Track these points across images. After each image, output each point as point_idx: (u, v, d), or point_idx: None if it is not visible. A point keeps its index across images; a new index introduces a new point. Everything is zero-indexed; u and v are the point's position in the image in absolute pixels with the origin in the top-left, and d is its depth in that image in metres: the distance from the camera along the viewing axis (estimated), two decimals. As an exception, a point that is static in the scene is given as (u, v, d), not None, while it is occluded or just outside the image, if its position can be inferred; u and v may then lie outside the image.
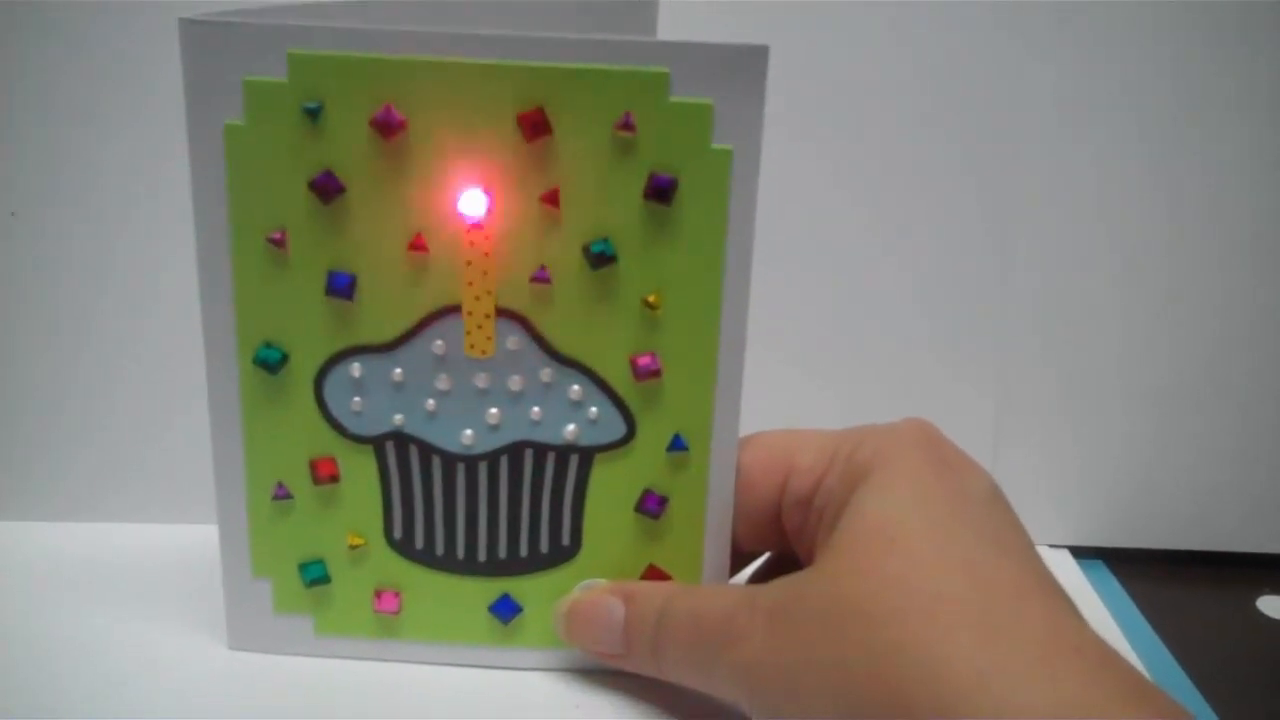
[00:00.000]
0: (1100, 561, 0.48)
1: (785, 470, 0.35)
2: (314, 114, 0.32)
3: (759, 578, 0.38)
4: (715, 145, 0.32)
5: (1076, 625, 0.27)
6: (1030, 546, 0.30)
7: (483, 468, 0.36)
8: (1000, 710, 0.24)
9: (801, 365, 0.47)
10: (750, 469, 0.35)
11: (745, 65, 0.31)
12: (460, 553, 0.37)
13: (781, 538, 0.36)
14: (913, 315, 0.46)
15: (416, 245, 0.33)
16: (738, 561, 0.38)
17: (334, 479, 0.36)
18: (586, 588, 0.36)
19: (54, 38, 0.42)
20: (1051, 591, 0.28)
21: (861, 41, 0.44)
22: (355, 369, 0.34)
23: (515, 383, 0.34)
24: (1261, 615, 0.45)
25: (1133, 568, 0.48)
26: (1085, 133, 0.45)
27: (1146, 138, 0.45)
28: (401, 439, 0.35)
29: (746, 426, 0.35)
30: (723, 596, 0.32)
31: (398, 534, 0.36)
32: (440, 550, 0.37)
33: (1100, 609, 0.44)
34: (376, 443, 0.35)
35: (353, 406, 0.35)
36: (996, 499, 0.31)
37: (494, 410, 0.35)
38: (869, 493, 0.31)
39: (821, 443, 0.34)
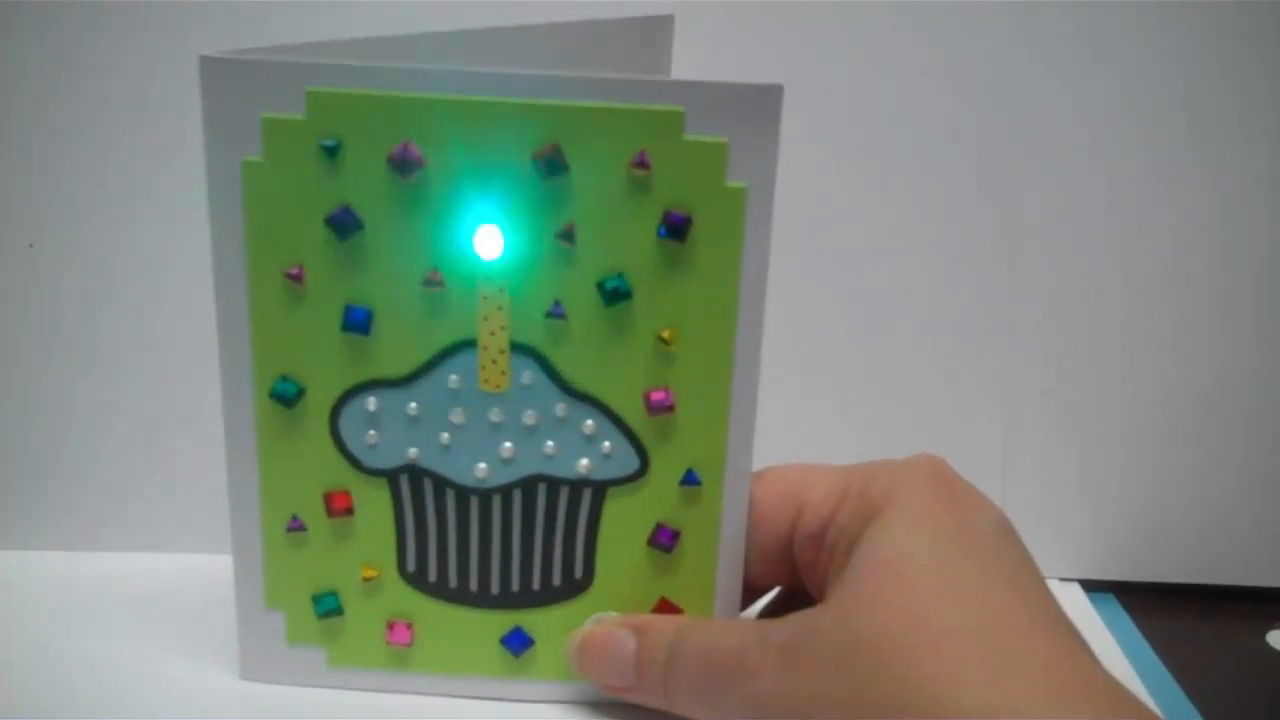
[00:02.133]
0: (1110, 595, 0.48)
1: (797, 506, 0.35)
2: (332, 151, 0.32)
3: (770, 612, 0.38)
4: (730, 183, 0.32)
5: (1087, 661, 0.27)
6: (1041, 581, 0.30)
7: (496, 501, 0.36)
8: None
9: (811, 398, 0.47)
10: (762, 504, 0.35)
11: (760, 104, 0.32)
12: (473, 585, 0.37)
13: (793, 573, 0.36)
14: (921, 349, 0.47)
15: (432, 281, 0.33)
16: (749, 596, 0.38)
17: (348, 512, 0.36)
18: (598, 621, 0.36)
19: (73, 73, 0.42)
20: (1062, 627, 0.28)
21: (868, 69, 0.44)
22: (370, 403, 0.35)
23: (529, 417, 0.35)
24: (1272, 650, 0.45)
25: (1143, 601, 0.48)
26: (1094, 165, 0.45)
27: (1156, 169, 0.45)
28: (416, 472, 0.35)
29: (758, 458, 0.35)
30: (735, 631, 0.32)
31: (411, 566, 0.37)
32: (453, 583, 0.37)
33: (1110, 642, 0.44)
34: (391, 476, 0.36)
35: (367, 440, 0.35)
36: (1008, 534, 0.31)
37: (508, 444, 0.35)
38: (880, 529, 0.31)
39: (833, 478, 0.34)
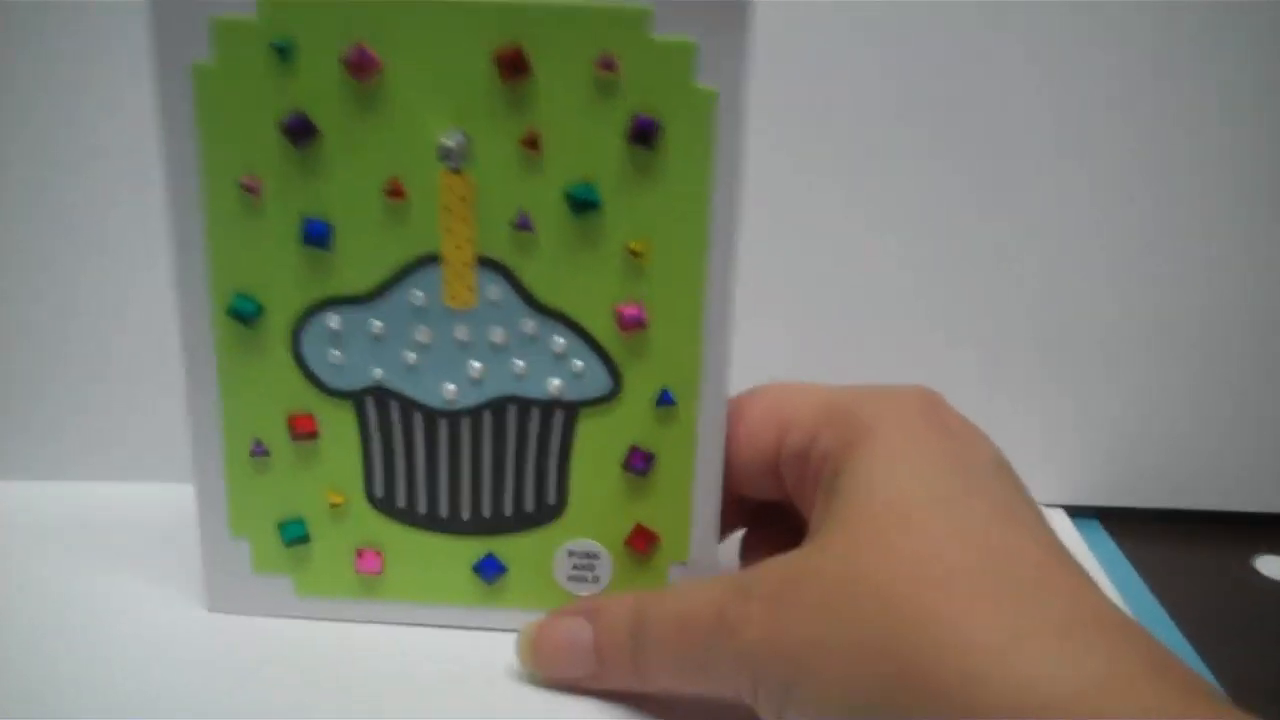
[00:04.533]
0: (1095, 521, 0.48)
1: (784, 422, 0.34)
2: (285, 53, 0.31)
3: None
4: (699, 85, 0.31)
5: (1095, 595, 0.26)
6: (1041, 516, 0.29)
7: (465, 423, 0.35)
8: (1027, 682, 0.24)
9: (791, 320, 0.46)
10: (750, 419, 0.35)
11: (730, 3, 0.30)
12: (443, 511, 0.36)
13: (783, 488, 0.35)
14: (903, 270, 0.46)
15: (393, 191, 0.32)
16: (744, 508, 0.37)
17: (312, 435, 0.35)
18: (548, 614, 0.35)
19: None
20: (1067, 561, 0.28)
21: (860, 39, 0.43)
22: (333, 321, 0.34)
23: (497, 335, 0.34)
24: (1258, 575, 0.45)
25: (1128, 527, 0.47)
26: (1080, 80, 0.44)
27: (1145, 81, 0.44)
28: (382, 393, 0.34)
29: (736, 382, 0.35)
30: (704, 591, 0.31)
31: (379, 492, 0.36)
32: (422, 509, 0.36)
33: (1096, 569, 0.43)
34: (356, 397, 0.35)
35: (331, 359, 0.34)
36: (1003, 468, 0.31)
37: (476, 364, 0.34)
38: (874, 463, 0.30)
39: (818, 396, 0.34)
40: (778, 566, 0.30)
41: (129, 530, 0.42)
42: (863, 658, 0.26)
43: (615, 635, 0.33)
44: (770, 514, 0.37)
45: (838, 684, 0.27)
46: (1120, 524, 0.47)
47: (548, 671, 0.34)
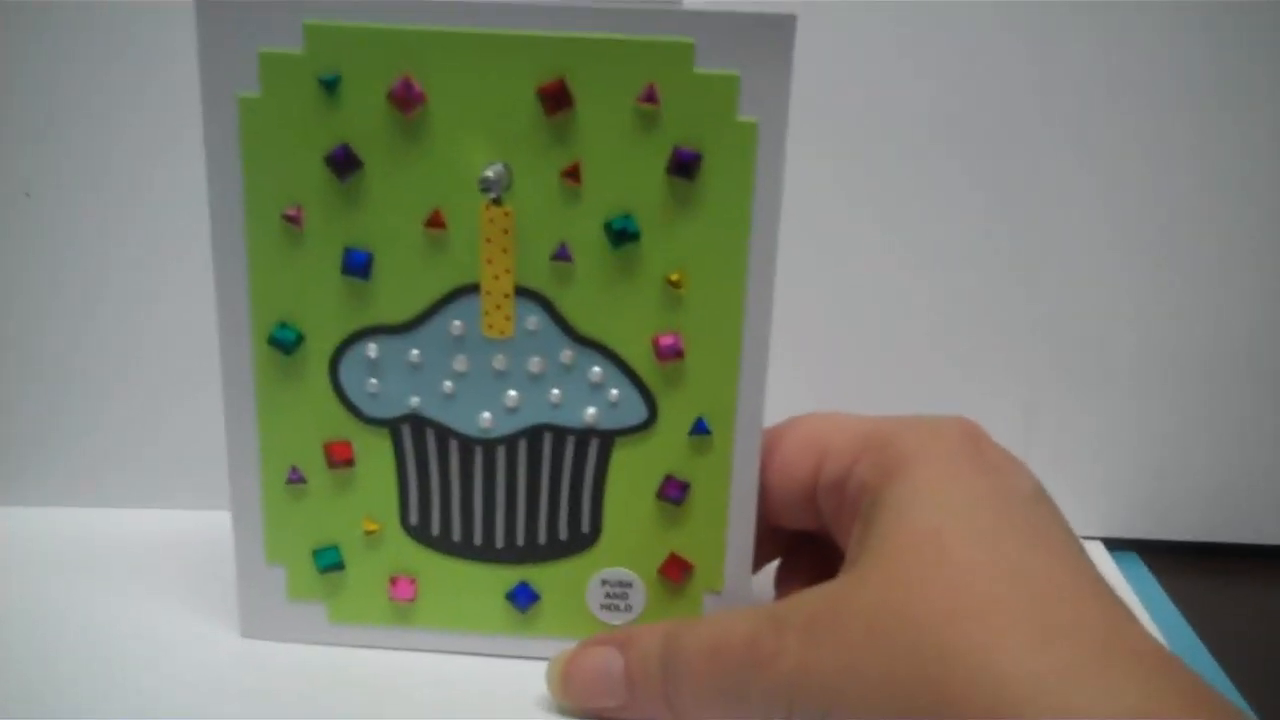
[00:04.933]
0: (1134, 554, 0.47)
1: (820, 452, 0.34)
2: (330, 86, 0.31)
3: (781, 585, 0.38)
4: (741, 118, 0.31)
5: (1132, 627, 0.26)
6: (1080, 548, 0.29)
7: (501, 452, 0.35)
8: (1062, 714, 0.24)
9: (827, 350, 0.46)
10: (787, 450, 0.35)
11: (772, 35, 0.30)
12: (477, 539, 0.36)
13: (819, 518, 0.35)
14: (940, 303, 0.46)
15: (434, 222, 0.32)
16: (779, 538, 0.37)
17: (349, 463, 0.35)
18: (579, 644, 0.35)
19: (66, 13, 0.41)
20: (1104, 593, 0.27)
21: (874, 44, 0.43)
22: (371, 350, 0.34)
23: (534, 364, 0.34)
24: (1298, 610, 0.44)
25: (1167, 560, 0.47)
26: (1114, 118, 0.44)
27: (1178, 120, 0.44)
28: (418, 422, 0.34)
29: (773, 414, 0.35)
30: (736, 621, 0.31)
31: (414, 519, 0.36)
32: (457, 536, 0.36)
33: (1134, 602, 0.43)
34: (392, 425, 0.35)
35: (368, 388, 0.34)
36: (1043, 500, 0.30)
37: (513, 393, 0.34)
38: (912, 494, 0.30)
39: (856, 426, 0.34)
40: (813, 598, 0.30)
41: (166, 556, 0.42)
42: (898, 689, 0.26)
43: (646, 664, 0.32)
44: (805, 545, 0.37)
45: (873, 714, 0.27)
46: (1159, 557, 0.47)
47: (578, 701, 0.34)
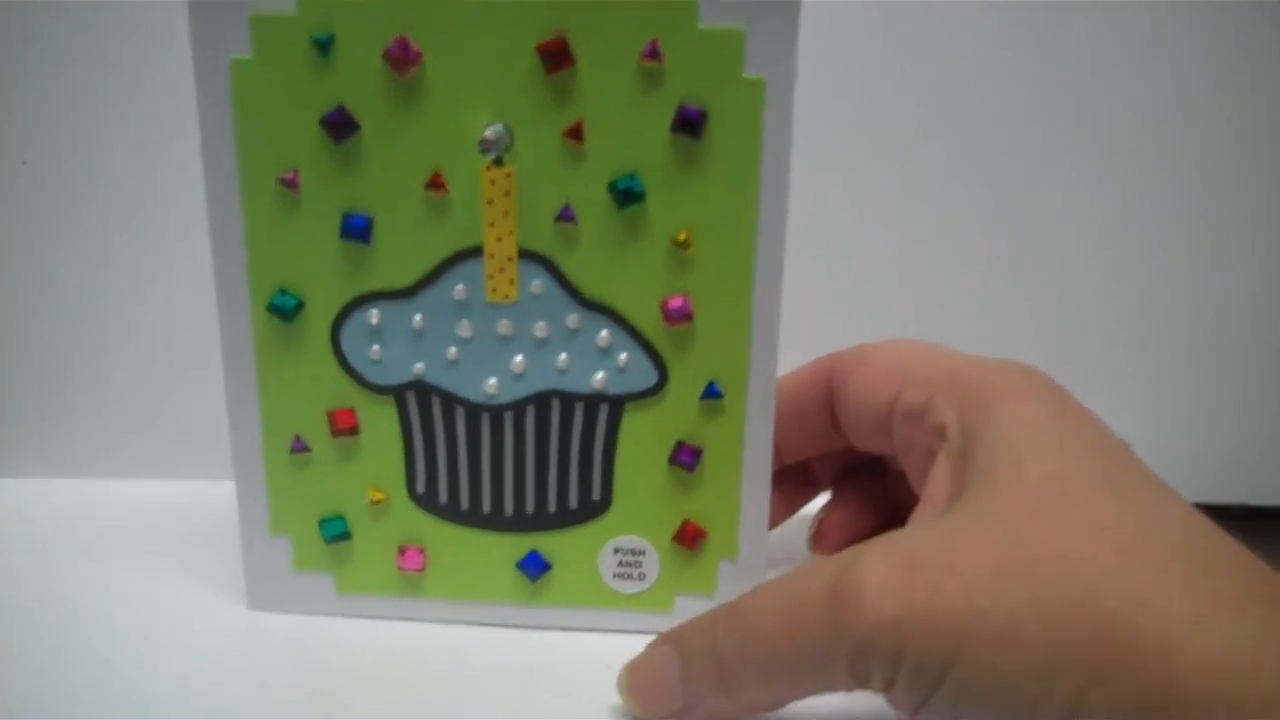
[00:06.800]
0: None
1: (901, 380, 0.34)
2: (324, 47, 0.30)
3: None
4: (747, 74, 0.30)
5: (1264, 570, 0.26)
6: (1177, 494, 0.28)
7: (508, 418, 0.34)
8: (1221, 651, 0.23)
9: (840, 314, 0.45)
10: (869, 373, 0.35)
11: None
12: (486, 507, 0.35)
13: (890, 443, 0.35)
14: (959, 259, 0.45)
15: (435, 184, 0.31)
16: (850, 461, 0.38)
17: (353, 431, 0.34)
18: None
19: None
20: (1228, 537, 0.26)
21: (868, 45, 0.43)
22: (373, 316, 0.33)
23: (540, 329, 0.33)
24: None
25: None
26: (1138, 96, 0.43)
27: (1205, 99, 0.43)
28: (423, 389, 0.34)
29: (782, 371, 0.34)
30: (805, 578, 0.28)
31: (420, 488, 0.35)
32: (465, 504, 0.35)
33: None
34: (397, 393, 0.34)
35: (371, 355, 0.34)
36: (1131, 452, 0.29)
37: (519, 358, 0.33)
38: (1015, 433, 0.29)
39: (937, 359, 0.33)
40: (910, 538, 0.28)
41: (171, 528, 0.42)
42: (1046, 625, 0.25)
43: (699, 654, 0.30)
44: (849, 487, 0.38)
45: (1013, 654, 0.25)
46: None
47: (643, 708, 0.31)
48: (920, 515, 0.30)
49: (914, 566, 0.26)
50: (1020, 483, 0.28)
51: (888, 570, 0.27)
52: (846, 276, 0.45)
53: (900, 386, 0.34)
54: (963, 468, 0.29)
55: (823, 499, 0.40)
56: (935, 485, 0.30)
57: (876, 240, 0.45)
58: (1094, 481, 0.27)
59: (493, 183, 0.31)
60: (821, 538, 0.38)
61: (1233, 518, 0.27)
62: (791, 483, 0.39)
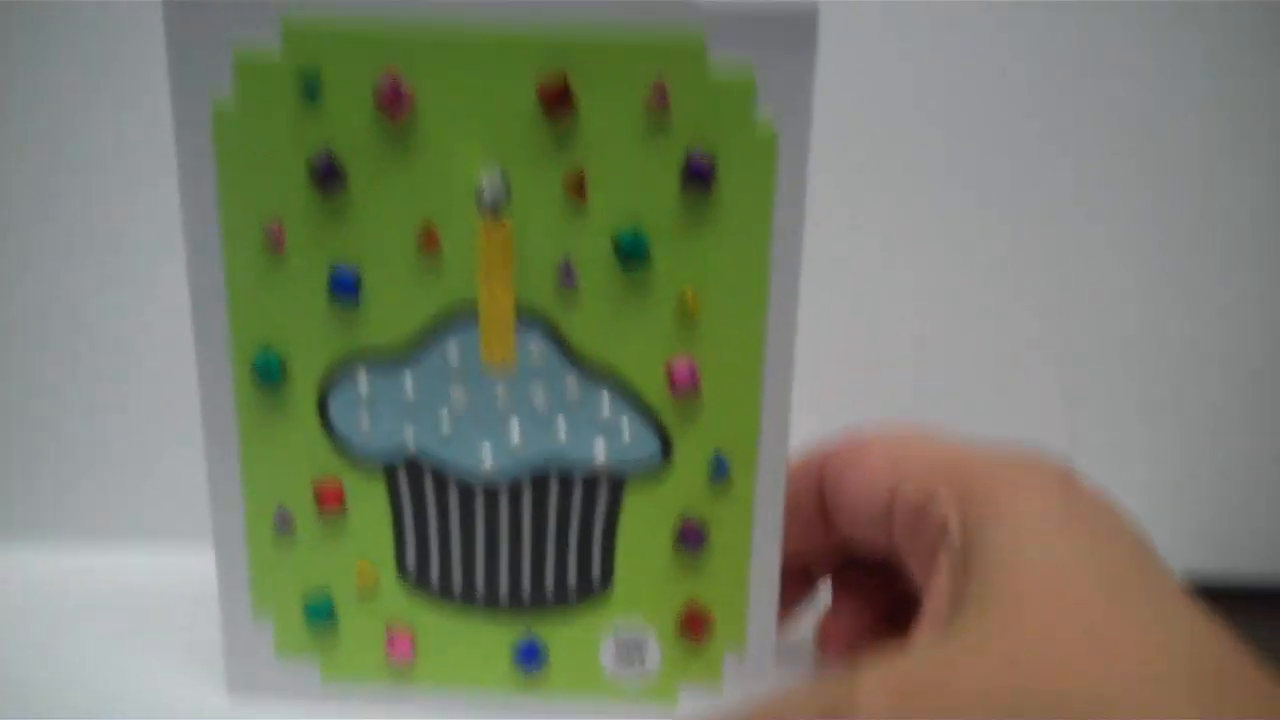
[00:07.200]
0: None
1: (898, 473, 0.32)
2: (312, 90, 0.29)
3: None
4: (759, 121, 0.29)
5: (1274, 684, 0.24)
6: (1191, 598, 0.26)
7: (504, 497, 0.32)
8: None
9: (856, 377, 0.43)
10: (866, 466, 0.32)
11: (792, 28, 0.28)
12: (480, 587, 0.33)
13: (890, 539, 0.32)
14: (976, 325, 0.43)
15: (427, 238, 0.30)
16: (847, 560, 0.35)
17: (340, 505, 0.32)
18: None
19: (35, 19, 0.40)
20: (1234, 644, 0.25)
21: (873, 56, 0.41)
22: (362, 384, 0.31)
23: (538, 395, 0.31)
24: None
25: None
26: (1162, 133, 0.41)
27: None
28: (414, 465, 0.32)
29: (794, 444, 0.32)
30: (799, 705, 0.27)
31: (411, 567, 0.33)
32: (458, 585, 0.33)
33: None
34: (387, 469, 0.32)
35: (360, 423, 0.32)
36: (1152, 554, 0.28)
37: (515, 428, 0.31)
38: (1016, 541, 0.27)
39: (936, 450, 0.31)
40: (910, 666, 0.26)
41: (148, 601, 0.39)
42: None
43: None
44: (853, 579, 0.35)
45: None
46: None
47: None
48: (921, 632, 0.29)
49: (910, 695, 0.25)
50: (1018, 604, 0.26)
51: (885, 696, 0.25)
52: (858, 332, 0.44)
53: (899, 479, 0.31)
54: (964, 574, 0.28)
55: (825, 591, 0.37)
56: (935, 597, 0.29)
57: (918, 322, 0.43)
58: (1097, 591, 0.26)
59: (488, 238, 0.29)
60: (827, 641, 0.35)
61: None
62: (788, 579, 0.37)
